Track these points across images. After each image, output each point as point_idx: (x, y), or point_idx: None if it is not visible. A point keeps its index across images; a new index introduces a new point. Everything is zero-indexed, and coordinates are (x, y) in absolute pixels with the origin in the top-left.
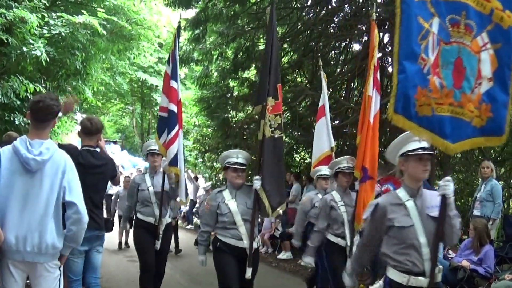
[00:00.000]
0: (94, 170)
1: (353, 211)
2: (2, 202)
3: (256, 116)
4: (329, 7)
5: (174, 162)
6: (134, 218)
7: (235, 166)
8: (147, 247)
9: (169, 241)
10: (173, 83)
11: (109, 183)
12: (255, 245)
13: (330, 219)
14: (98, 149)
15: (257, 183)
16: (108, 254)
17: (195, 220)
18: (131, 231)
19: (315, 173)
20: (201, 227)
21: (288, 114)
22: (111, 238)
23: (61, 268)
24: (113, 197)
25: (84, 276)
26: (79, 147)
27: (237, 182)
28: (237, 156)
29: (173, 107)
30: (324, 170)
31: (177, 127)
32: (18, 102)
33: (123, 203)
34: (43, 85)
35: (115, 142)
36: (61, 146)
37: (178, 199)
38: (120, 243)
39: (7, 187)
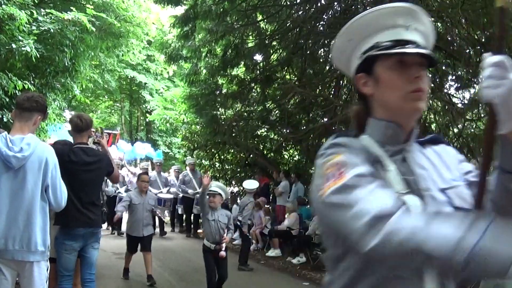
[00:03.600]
0: (88, 167)
1: None
2: None
3: (245, 114)
4: (319, 4)
5: None
6: None
7: None
8: None
9: None
10: None
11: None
12: None
13: None
14: (93, 146)
15: None
16: None
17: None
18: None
19: None
20: None
21: (277, 111)
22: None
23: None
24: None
25: (80, 272)
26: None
27: None
28: None
29: None
30: None
31: None
32: (7, 99)
33: (139, 213)
34: (32, 82)
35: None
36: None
37: None
38: (126, 269)
39: None
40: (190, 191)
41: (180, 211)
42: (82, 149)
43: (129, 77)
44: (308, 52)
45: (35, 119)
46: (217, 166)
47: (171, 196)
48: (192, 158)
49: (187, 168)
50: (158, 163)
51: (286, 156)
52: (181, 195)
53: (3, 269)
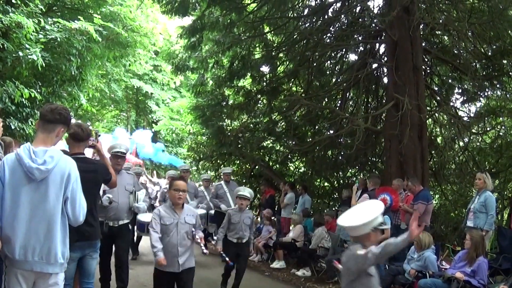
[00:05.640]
0: (83, 176)
1: None
2: (9, 213)
3: (251, 125)
4: (326, 17)
5: None
6: None
7: None
8: None
9: None
10: None
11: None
12: None
13: None
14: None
15: None
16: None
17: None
18: None
19: None
20: None
21: (283, 123)
22: None
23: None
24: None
25: (79, 281)
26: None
27: None
28: None
29: None
30: None
31: None
32: (13, 107)
33: (172, 237)
34: (38, 90)
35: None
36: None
37: None
38: None
39: (13, 198)
40: (223, 206)
41: (211, 230)
42: (79, 159)
43: (136, 87)
44: (314, 64)
45: (58, 131)
46: None
47: (203, 211)
48: (229, 167)
49: (222, 179)
50: (184, 170)
51: (291, 168)
52: (213, 210)
53: (21, 280)
